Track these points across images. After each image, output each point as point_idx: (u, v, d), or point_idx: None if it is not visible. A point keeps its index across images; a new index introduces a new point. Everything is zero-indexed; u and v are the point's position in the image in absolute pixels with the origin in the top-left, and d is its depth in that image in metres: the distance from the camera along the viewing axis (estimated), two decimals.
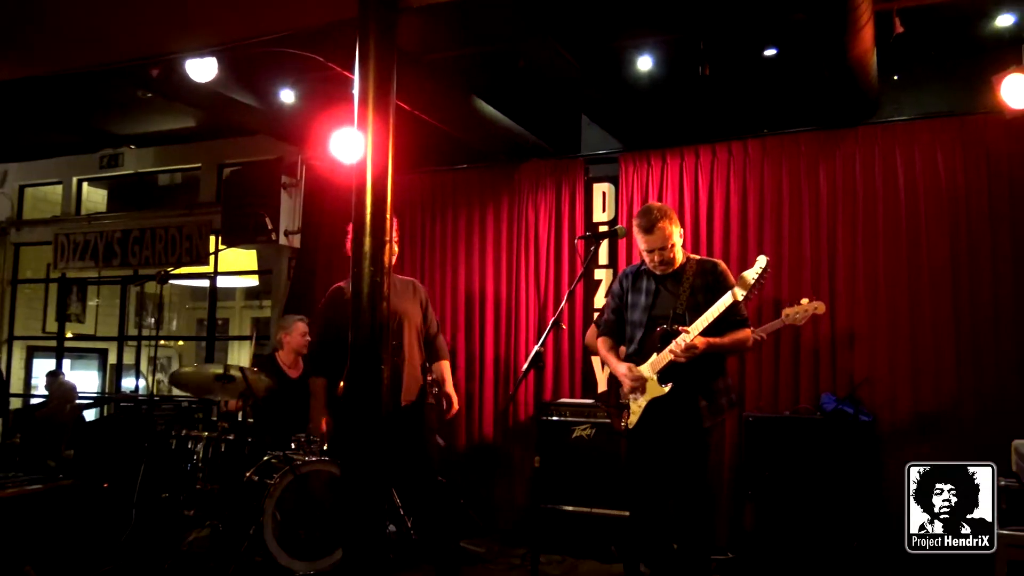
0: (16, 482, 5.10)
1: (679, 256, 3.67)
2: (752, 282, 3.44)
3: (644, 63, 4.93)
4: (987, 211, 4.90)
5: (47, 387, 7.56)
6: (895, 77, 5.27)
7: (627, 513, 4.92)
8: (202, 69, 4.81)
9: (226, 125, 6.86)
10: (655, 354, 3.56)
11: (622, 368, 3.64)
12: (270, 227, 6.25)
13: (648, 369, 3.57)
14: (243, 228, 6.41)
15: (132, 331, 9.93)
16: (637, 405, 3.62)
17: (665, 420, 3.56)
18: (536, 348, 3.40)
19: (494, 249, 6.24)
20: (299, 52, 4.18)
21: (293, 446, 5.05)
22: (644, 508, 3.66)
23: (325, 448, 4.93)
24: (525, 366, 3.40)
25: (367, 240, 3.14)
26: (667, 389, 3.52)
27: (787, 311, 4.61)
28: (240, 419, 4.96)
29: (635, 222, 3.65)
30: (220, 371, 4.77)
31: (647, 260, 3.67)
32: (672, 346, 3.45)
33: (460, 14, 4.22)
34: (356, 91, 3.19)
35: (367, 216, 3.15)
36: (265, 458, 4.94)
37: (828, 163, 5.29)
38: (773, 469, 4.79)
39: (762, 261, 3.50)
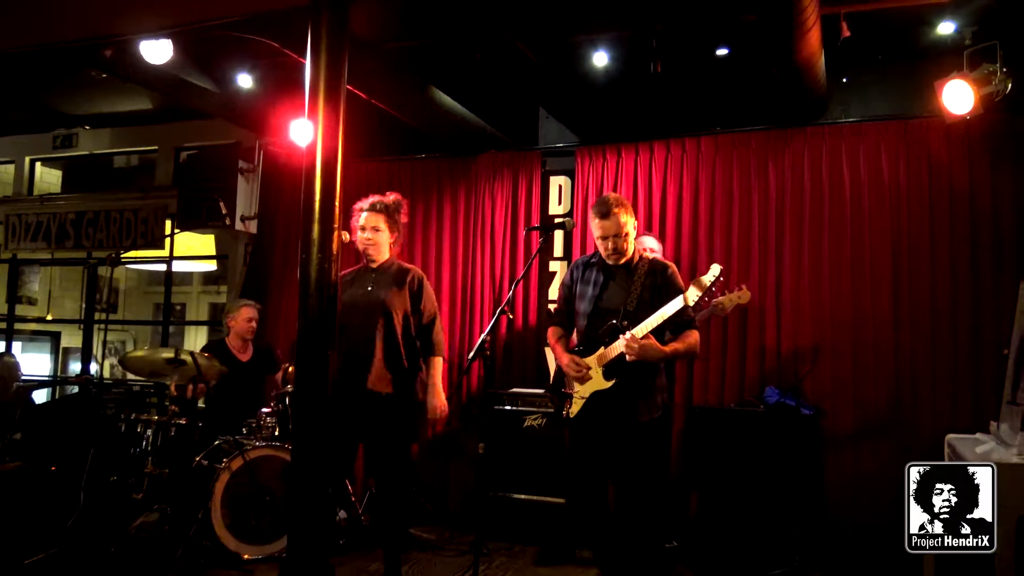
0: None
1: (631, 248, 3.72)
2: (705, 288, 3.48)
3: (600, 59, 4.99)
4: (928, 210, 5.05)
5: None
6: (843, 80, 5.42)
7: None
8: (157, 51, 4.78)
9: (183, 108, 6.80)
10: (602, 347, 3.63)
11: (566, 359, 3.71)
12: (224, 212, 6.22)
13: (595, 361, 3.63)
14: (198, 212, 6.38)
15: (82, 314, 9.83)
16: (580, 396, 3.69)
17: (605, 412, 3.63)
18: (482, 337, 3.46)
19: (451, 239, 6.28)
20: (253, 37, 4.17)
21: (244, 431, 5.07)
22: (583, 494, 3.74)
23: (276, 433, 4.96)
24: (471, 355, 3.45)
25: (315, 227, 3.19)
26: (610, 384, 3.59)
27: (717, 300, 4.67)
28: (194, 403, 4.94)
29: (592, 210, 3.70)
30: (171, 355, 4.76)
31: (600, 247, 3.72)
32: (622, 343, 3.51)
33: (415, 4, 4.25)
34: (307, 76, 3.22)
35: (316, 203, 3.19)
36: (216, 443, 4.97)
37: (778, 161, 5.41)
38: (717, 460, 4.92)
39: (715, 269, 3.54)
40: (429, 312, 4.23)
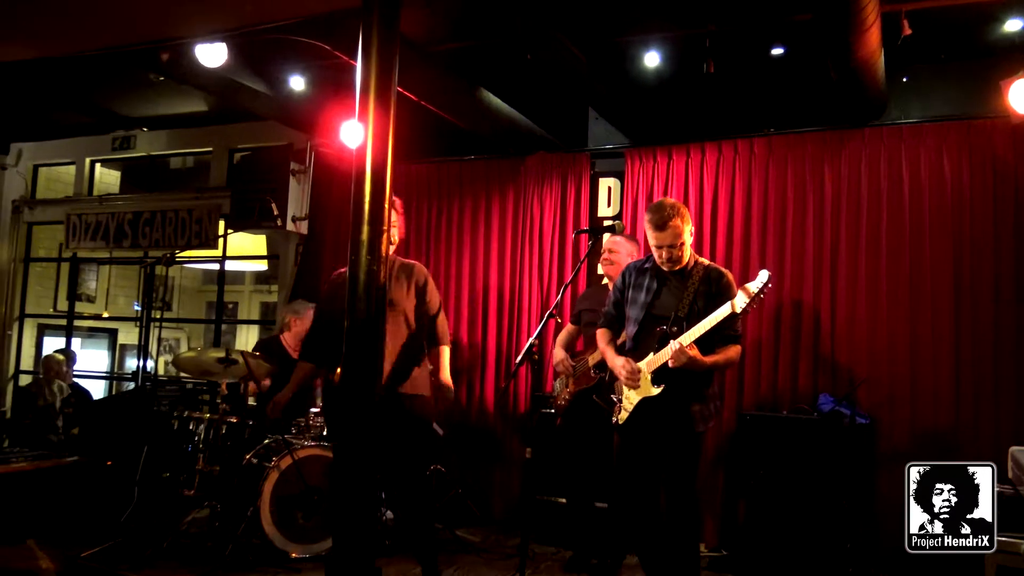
0: (20, 458, 5.21)
1: (687, 255, 3.65)
2: (752, 295, 3.37)
3: (651, 59, 4.92)
4: (992, 215, 4.89)
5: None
6: (903, 79, 5.26)
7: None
8: (212, 54, 4.86)
9: (237, 110, 6.91)
10: (652, 353, 3.57)
11: (619, 361, 3.66)
12: (276, 213, 6.29)
13: (644, 367, 3.58)
14: (251, 213, 6.46)
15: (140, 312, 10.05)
16: (629, 402, 3.64)
17: (655, 420, 3.57)
18: (530, 341, 3.43)
19: (499, 241, 6.27)
20: (305, 40, 4.20)
21: (293, 430, 5.12)
22: (630, 502, 3.68)
23: (324, 433, 4.99)
24: (519, 359, 3.42)
25: (365, 229, 3.18)
26: (658, 391, 3.53)
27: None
28: (244, 402, 5.00)
29: (647, 217, 3.62)
30: (222, 355, 4.83)
31: (656, 256, 3.65)
32: (667, 350, 3.45)
33: (465, 6, 4.24)
34: (358, 77, 3.22)
35: (365, 204, 3.18)
36: (265, 441, 5.02)
37: (833, 163, 5.28)
38: (768, 468, 4.81)
39: (764, 276, 3.41)
40: (435, 305, 4.23)
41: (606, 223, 5.84)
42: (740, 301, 3.38)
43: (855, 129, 5.24)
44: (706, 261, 3.74)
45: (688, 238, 3.64)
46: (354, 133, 5.78)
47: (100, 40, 3.87)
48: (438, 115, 5.72)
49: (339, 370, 4.37)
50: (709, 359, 3.49)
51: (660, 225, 3.56)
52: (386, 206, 3.20)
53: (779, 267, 5.28)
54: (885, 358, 5.02)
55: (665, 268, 3.67)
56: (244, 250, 8.22)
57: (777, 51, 4.70)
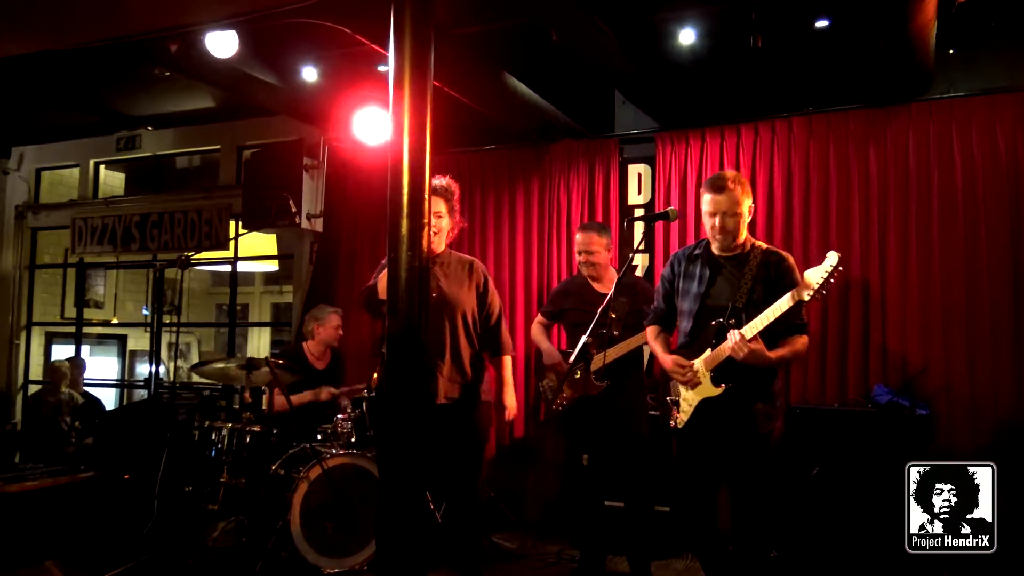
0: (37, 474, 4.97)
1: (742, 234, 3.35)
2: (819, 283, 3.06)
3: (686, 36, 4.68)
4: None
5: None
6: (950, 51, 4.98)
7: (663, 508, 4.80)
8: (222, 44, 4.61)
9: (246, 105, 6.66)
10: (709, 349, 3.30)
11: (668, 360, 3.40)
12: (294, 210, 6.04)
13: (701, 365, 3.31)
14: (265, 211, 6.21)
15: (151, 317, 9.82)
16: (688, 403, 3.37)
17: (718, 422, 3.30)
18: (583, 339, 3.16)
19: (524, 233, 6.02)
20: (327, 23, 3.94)
21: (319, 437, 4.89)
22: (696, 509, 3.42)
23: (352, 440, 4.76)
24: (573, 358, 3.15)
25: (403, 223, 2.93)
26: (721, 390, 3.26)
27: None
28: (270, 411, 4.76)
29: (704, 185, 3.34)
30: (244, 362, 4.60)
31: (708, 227, 3.34)
32: (729, 344, 3.18)
33: None
34: (391, 64, 2.97)
35: (404, 197, 2.93)
36: (291, 451, 4.78)
37: (879, 142, 5.02)
38: (823, 465, 4.55)
39: (832, 258, 3.09)
40: (497, 309, 3.95)
41: (637, 211, 5.64)
42: (806, 288, 3.10)
43: (901, 105, 4.98)
44: (764, 245, 3.41)
45: (747, 214, 3.31)
46: (368, 125, 5.60)
47: (107, 30, 3.61)
48: (456, 103, 5.45)
49: (375, 375, 4.17)
50: (774, 353, 3.20)
51: (718, 187, 3.25)
52: (426, 197, 2.95)
53: (823, 250, 4.96)
54: (940, 343, 4.78)
55: (716, 245, 3.36)
56: (255, 250, 7.97)
57: (822, 23, 4.43)
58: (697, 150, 5.47)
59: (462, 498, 3.81)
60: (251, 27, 4.61)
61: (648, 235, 4.54)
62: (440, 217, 3.77)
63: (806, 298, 3.08)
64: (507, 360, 4.02)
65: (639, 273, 5.54)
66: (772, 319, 3.14)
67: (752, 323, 3.18)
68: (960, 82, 5.02)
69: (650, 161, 5.68)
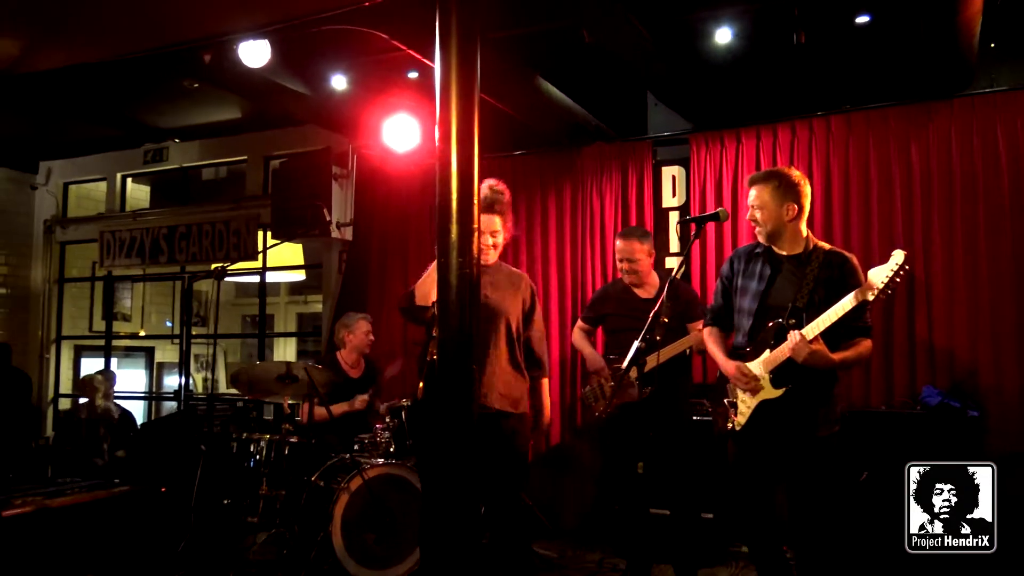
0: (75, 488, 4.94)
1: (803, 233, 3.29)
2: (884, 282, 2.98)
3: (722, 35, 4.60)
4: None
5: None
6: (991, 45, 4.88)
7: (708, 515, 4.71)
8: (255, 53, 4.59)
9: (273, 115, 6.65)
10: (768, 350, 3.22)
11: (730, 366, 3.31)
12: (328, 218, 6.01)
13: (760, 367, 3.23)
14: (295, 221, 6.18)
15: (179, 329, 9.83)
16: (746, 405, 3.29)
17: (777, 425, 3.22)
18: (636, 345, 3.09)
19: (557, 238, 5.96)
20: (363, 29, 3.90)
21: (357, 447, 4.84)
22: (753, 512, 3.34)
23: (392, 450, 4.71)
24: (627, 363, 3.08)
25: (453, 228, 2.87)
26: (781, 392, 3.18)
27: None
28: (310, 421, 4.71)
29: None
30: (282, 371, 4.55)
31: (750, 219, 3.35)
32: (786, 345, 3.10)
33: None
34: (437, 69, 2.92)
35: (452, 202, 2.88)
36: (330, 461, 4.73)
37: (920, 138, 4.93)
38: (872, 469, 4.45)
39: (898, 256, 3.00)
40: (539, 325, 3.92)
41: (672, 214, 5.57)
42: (871, 287, 3.02)
43: (942, 101, 4.88)
44: (826, 245, 3.34)
45: (780, 210, 3.24)
46: (397, 132, 5.56)
47: (145, 41, 3.59)
48: (484, 108, 5.39)
49: (421, 384, 4.11)
50: (837, 356, 3.11)
51: (751, 181, 3.33)
52: (475, 203, 2.89)
53: (865, 251, 4.92)
54: (989, 343, 4.67)
55: (760, 239, 3.32)
56: (282, 260, 7.95)
57: (863, 19, 4.34)
58: (733, 151, 5.39)
59: (507, 509, 3.74)
60: (281, 36, 4.59)
61: (696, 237, 4.39)
62: (496, 235, 3.74)
63: (870, 298, 3.00)
64: (545, 381, 3.97)
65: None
66: (834, 319, 3.06)
67: (814, 323, 3.10)
68: (1002, 76, 4.91)
69: (684, 163, 5.61)
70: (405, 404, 4.74)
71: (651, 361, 3.03)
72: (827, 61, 4.98)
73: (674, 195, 5.66)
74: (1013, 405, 4.57)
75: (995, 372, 4.63)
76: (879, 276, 2.99)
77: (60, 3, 3.29)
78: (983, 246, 4.72)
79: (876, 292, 2.99)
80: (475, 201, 2.91)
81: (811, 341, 3.07)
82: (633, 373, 4.08)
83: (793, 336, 3.09)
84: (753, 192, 3.30)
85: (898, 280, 2.98)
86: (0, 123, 7.26)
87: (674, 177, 5.67)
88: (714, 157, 5.44)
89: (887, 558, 4.13)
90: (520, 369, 3.74)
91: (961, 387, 4.54)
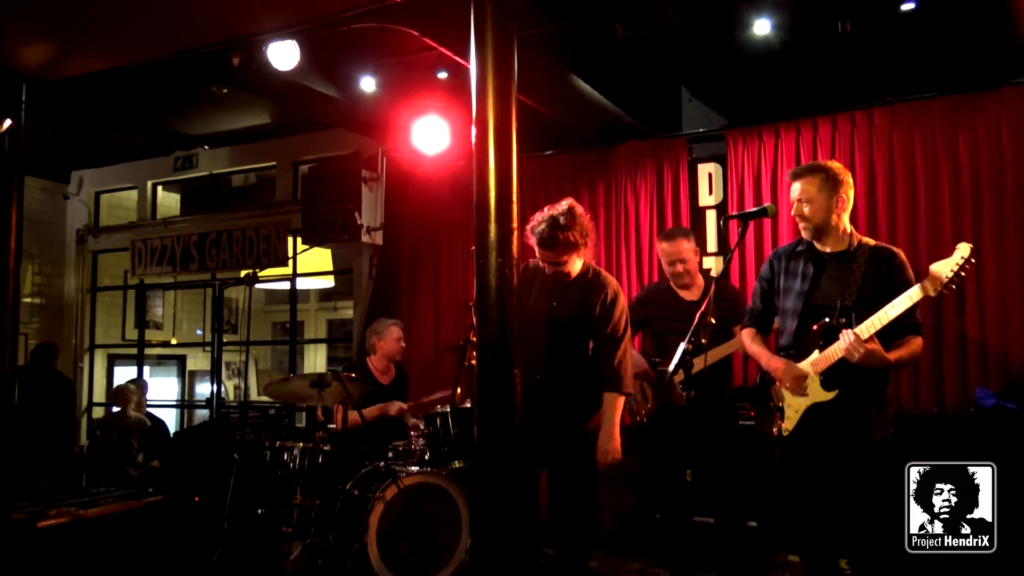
0: (110, 498, 4.91)
1: (847, 229, 3.17)
2: (949, 276, 2.86)
3: (761, 26, 4.46)
4: None
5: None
6: None
7: (752, 523, 4.56)
8: (284, 55, 4.54)
9: (301, 119, 6.61)
10: (816, 351, 3.09)
11: (778, 363, 3.18)
12: (360, 222, 5.94)
13: (809, 368, 3.10)
14: (326, 226, 6.13)
15: (210, 336, 9.84)
16: (793, 410, 3.15)
17: (828, 429, 3.08)
18: (683, 346, 2.97)
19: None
20: (395, 27, 3.82)
21: (391, 455, 4.75)
22: (804, 519, 3.20)
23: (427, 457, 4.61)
24: (672, 367, 2.96)
25: (492, 228, 2.77)
26: (833, 394, 3.05)
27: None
28: (344, 428, 4.64)
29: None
30: (314, 379, 4.48)
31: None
32: (842, 344, 2.97)
33: None
34: (472, 67, 2.84)
35: (491, 200, 2.78)
36: (364, 469, 4.64)
37: (968, 130, 4.75)
38: None
39: (964, 249, 2.88)
40: (619, 335, 3.62)
41: (709, 212, 5.43)
42: (935, 281, 2.88)
43: (991, 90, 4.70)
44: (871, 241, 3.22)
45: (828, 203, 3.12)
46: (426, 134, 5.49)
47: (174, 44, 3.53)
48: (518, 106, 5.30)
49: (459, 389, 4.01)
50: (893, 355, 2.98)
51: (794, 175, 3.21)
52: (514, 200, 2.80)
53: (912, 247, 4.75)
54: None
55: (805, 232, 3.19)
56: (312, 266, 7.91)
57: (908, 6, 4.18)
58: (771, 146, 5.24)
59: (575, 521, 3.63)
60: (309, 37, 4.53)
61: (743, 235, 4.24)
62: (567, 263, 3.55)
63: (933, 293, 2.87)
64: (619, 400, 3.60)
65: (714, 275, 5.32)
66: (894, 317, 2.92)
67: (869, 322, 2.97)
68: None
69: (721, 160, 5.47)
70: (440, 411, 4.64)
71: (698, 364, 2.92)
72: (869, 51, 4.82)
73: (711, 193, 5.52)
74: None
75: None
76: (944, 269, 2.86)
77: (90, 6, 3.24)
78: None
79: (941, 286, 2.86)
80: (513, 199, 2.81)
81: (866, 340, 2.94)
82: (678, 376, 3.95)
83: (847, 335, 2.95)
84: (798, 186, 3.18)
85: (963, 274, 2.86)
86: (33, 133, 7.28)
87: (710, 174, 5.53)
88: (752, 153, 5.29)
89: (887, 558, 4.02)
90: (589, 382, 3.59)
91: (1017, 388, 4.34)
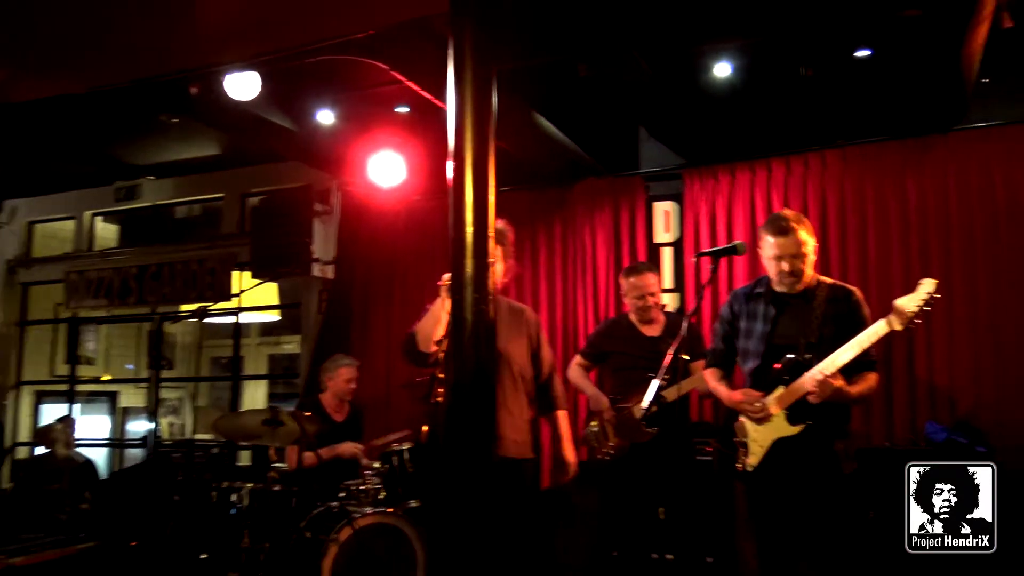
0: (39, 545, 4.63)
1: (808, 272, 3.22)
2: (914, 311, 2.94)
3: (721, 69, 4.54)
4: None
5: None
6: (983, 80, 4.90)
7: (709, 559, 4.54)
8: (244, 86, 4.43)
9: (253, 151, 6.48)
10: (781, 387, 3.11)
11: (735, 394, 3.20)
12: (315, 256, 5.80)
13: (774, 403, 3.12)
14: (277, 259, 5.97)
15: (144, 372, 9.47)
16: (758, 445, 3.17)
17: (795, 464, 3.10)
18: (656, 383, 2.94)
19: (548, 275, 5.83)
20: (364, 60, 3.77)
21: (343, 495, 4.59)
22: (772, 556, 3.19)
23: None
24: (647, 403, 2.93)
25: (468, 262, 2.73)
26: (799, 428, 3.07)
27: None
28: (299, 468, 4.47)
29: (764, 228, 3.23)
30: (268, 416, 4.32)
31: (774, 271, 3.20)
32: (808, 381, 3.00)
33: (537, 22, 3.84)
34: (450, 102, 2.81)
35: (467, 236, 2.74)
36: (317, 510, 4.48)
37: (916, 174, 4.92)
38: (879, 509, 4.33)
39: (928, 285, 2.97)
40: (549, 362, 3.69)
41: (664, 249, 5.48)
42: (900, 315, 2.95)
43: (938, 135, 4.89)
44: (829, 280, 3.30)
45: (812, 254, 3.21)
46: (384, 167, 5.42)
47: (135, 71, 3.42)
48: None
49: (425, 428, 3.90)
50: (854, 390, 3.05)
51: (782, 230, 3.14)
52: (490, 235, 2.76)
53: (863, 285, 4.74)
54: (992, 377, 4.62)
55: (785, 286, 3.21)
56: (257, 300, 7.69)
57: (862, 53, 4.31)
58: (726, 185, 5.34)
59: (540, 558, 3.56)
60: (268, 69, 4.44)
61: (714, 272, 4.28)
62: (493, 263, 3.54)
63: (899, 327, 2.93)
64: (563, 415, 3.69)
65: (669, 310, 5.36)
66: (858, 352, 2.99)
67: (832, 357, 3.03)
68: (995, 110, 4.93)
69: (677, 198, 5.54)
70: (397, 449, 4.51)
71: (669, 396, 2.94)
72: (823, 95, 4.95)
73: (667, 230, 5.58)
74: (1018, 440, 4.49)
75: (997, 407, 4.57)
76: (910, 304, 2.94)
77: (44, 31, 3.12)
78: (981, 280, 4.70)
79: (907, 321, 2.92)
80: (490, 235, 2.78)
81: (830, 376, 2.98)
82: (639, 413, 3.94)
83: (813, 374, 3.00)
84: (787, 239, 3.14)
85: (928, 308, 2.92)
86: None
87: (667, 212, 5.59)
88: (707, 192, 5.38)
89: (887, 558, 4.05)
90: (530, 415, 3.56)
91: (966, 423, 4.45)
